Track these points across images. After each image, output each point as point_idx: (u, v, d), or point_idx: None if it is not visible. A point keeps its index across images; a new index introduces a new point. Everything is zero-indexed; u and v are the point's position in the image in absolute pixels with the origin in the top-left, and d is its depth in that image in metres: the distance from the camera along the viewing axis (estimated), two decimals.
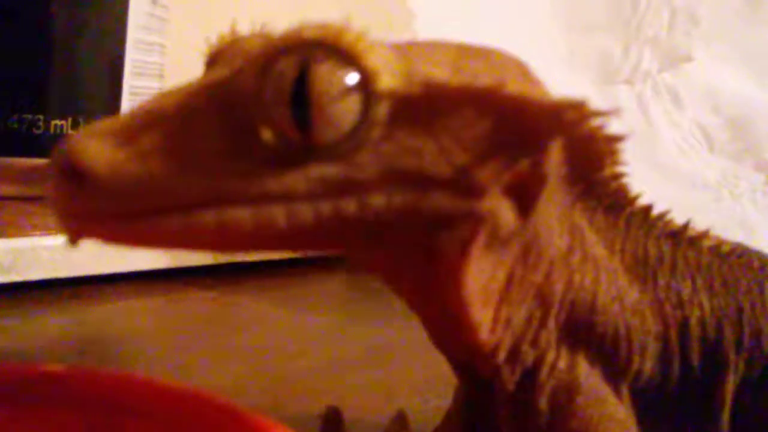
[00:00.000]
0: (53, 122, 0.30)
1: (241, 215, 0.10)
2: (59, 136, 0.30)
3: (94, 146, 0.09)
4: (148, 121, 0.10)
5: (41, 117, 0.30)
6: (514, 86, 0.10)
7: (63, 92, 0.31)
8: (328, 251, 0.12)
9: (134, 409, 0.13)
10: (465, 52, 0.11)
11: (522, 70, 0.12)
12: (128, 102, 0.33)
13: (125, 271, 0.28)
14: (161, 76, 0.35)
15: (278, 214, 0.10)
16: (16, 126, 0.30)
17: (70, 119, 0.31)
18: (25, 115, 0.30)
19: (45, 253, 0.25)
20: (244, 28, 0.12)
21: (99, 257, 0.27)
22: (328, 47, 0.10)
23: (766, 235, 0.33)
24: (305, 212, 0.10)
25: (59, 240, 0.26)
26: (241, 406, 0.13)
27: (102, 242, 0.10)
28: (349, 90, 0.10)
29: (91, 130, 0.10)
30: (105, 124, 0.10)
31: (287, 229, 0.10)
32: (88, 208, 0.10)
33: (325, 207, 0.10)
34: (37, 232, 0.26)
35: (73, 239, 0.10)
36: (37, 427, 0.13)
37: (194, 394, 0.13)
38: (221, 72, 0.10)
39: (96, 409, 0.13)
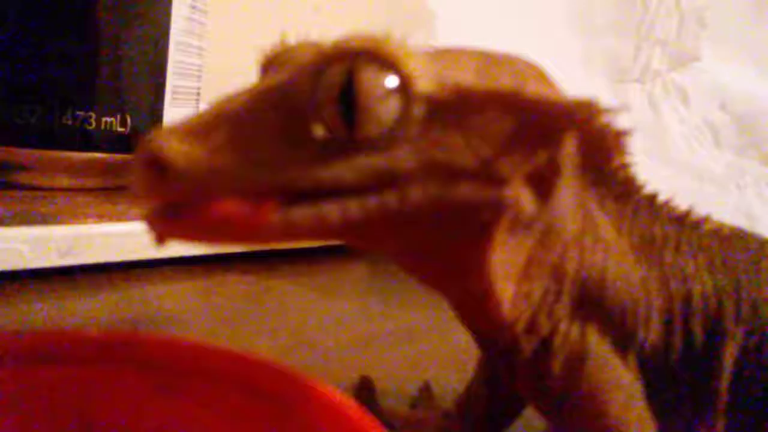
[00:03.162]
0: (103, 119, 0.32)
1: (302, 215, 0.11)
2: (109, 132, 0.32)
3: (173, 142, 0.10)
4: (217, 121, 0.11)
5: (93, 114, 0.31)
6: (532, 88, 0.11)
7: (112, 91, 0.32)
8: (370, 243, 0.13)
9: (199, 371, 0.14)
10: (489, 58, 0.12)
11: (539, 73, 0.12)
12: (171, 100, 0.34)
13: (170, 257, 0.29)
14: (199, 77, 0.36)
15: (332, 211, 0.11)
16: (70, 122, 0.31)
17: (118, 116, 0.32)
18: (78, 113, 0.31)
19: (98, 239, 0.27)
20: (291, 37, 0.14)
21: (145, 243, 0.27)
22: (372, 55, 0.10)
23: None
24: (354, 209, 0.11)
25: (110, 227, 0.27)
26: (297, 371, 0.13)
27: (183, 239, 0.11)
28: (390, 92, 0.11)
29: (170, 128, 0.11)
30: (181, 123, 0.11)
31: (340, 224, 0.11)
32: (168, 191, 0.10)
33: (371, 203, 0.11)
34: (91, 220, 0.27)
35: (160, 240, 0.11)
36: (109, 387, 0.14)
37: (255, 359, 0.14)
38: (277, 77, 0.11)
39: (163, 370, 0.14)
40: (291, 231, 0.11)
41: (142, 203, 0.11)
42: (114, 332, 0.15)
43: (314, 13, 0.41)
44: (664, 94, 0.39)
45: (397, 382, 0.21)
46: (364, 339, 0.25)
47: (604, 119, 0.12)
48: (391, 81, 0.11)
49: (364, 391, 0.19)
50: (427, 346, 0.25)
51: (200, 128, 0.11)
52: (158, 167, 0.10)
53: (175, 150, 0.10)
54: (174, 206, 0.11)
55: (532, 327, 0.13)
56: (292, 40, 0.13)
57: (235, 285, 0.30)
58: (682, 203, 0.15)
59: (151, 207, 0.11)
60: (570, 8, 0.42)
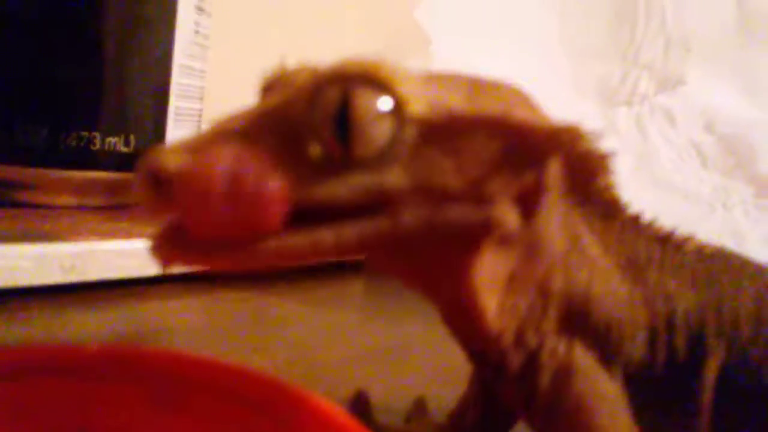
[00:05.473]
0: (107, 139, 0.32)
1: (298, 241, 0.11)
2: (113, 151, 0.32)
3: (175, 159, 0.11)
4: (217, 140, 0.11)
5: (97, 134, 0.32)
6: (518, 113, 0.12)
7: (116, 112, 0.33)
8: (359, 254, 0.13)
9: (196, 385, 0.14)
10: (478, 84, 0.12)
11: (525, 99, 0.13)
12: (173, 121, 0.34)
13: (170, 274, 0.29)
14: (201, 98, 0.37)
15: (327, 236, 0.11)
16: (74, 143, 0.31)
17: (122, 136, 0.32)
18: (83, 133, 0.31)
19: (100, 256, 0.27)
20: (290, 61, 0.14)
21: (147, 260, 0.28)
22: (366, 78, 0.11)
23: (756, 243, 0.34)
24: (349, 234, 0.11)
25: (112, 245, 0.28)
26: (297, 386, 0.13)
27: (185, 263, 0.11)
28: (384, 114, 0.11)
29: (172, 146, 0.11)
30: (183, 142, 0.11)
31: (334, 248, 0.11)
32: (169, 205, 0.11)
33: (365, 228, 0.11)
34: (93, 238, 0.27)
35: (165, 266, 0.11)
36: (108, 400, 0.14)
37: (252, 373, 0.14)
38: (276, 99, 0.12)
39: (161, 384, 0.14)
40: (288, 255, 0.11)
41: (144, 218, 0.12)
42: (113, 347, 0.15)
43: (312, 38, 0.42)
44: (652, 116, 0.40)
45: (392, 396, 0.21)
46: (360, 354, 0.26)
47: (587, 142, 0.13)
48: (385, 104, 0.11)
49: (360, 406, 0.20)
50: (422, 362, 0.26)
51: (201, 146, 0.11)
52: (160, 182, 0.11)
53: (176, 165, 0.11)
54: (178, 232, 0.11)
55: (519, 341, 0.14)
56: (290, 63, 0.13)
57: (234, 301, 0.30)
58: (669, 224, 0.15)
59: (157, 233, 0.11)
60: (562, 33, 0.43)
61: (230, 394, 0.14)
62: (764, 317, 0.14)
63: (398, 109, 0.11)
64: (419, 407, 0.21)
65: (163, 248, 0.11)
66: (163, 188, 0.11)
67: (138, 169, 0.11)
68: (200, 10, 0.35)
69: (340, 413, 0.13)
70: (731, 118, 0.39)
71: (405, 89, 0.11)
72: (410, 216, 0.11)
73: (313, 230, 0.11)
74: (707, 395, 0.14)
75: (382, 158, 0.11)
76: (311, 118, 0.11)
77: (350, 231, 0.11)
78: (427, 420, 0.20)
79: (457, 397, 0.19)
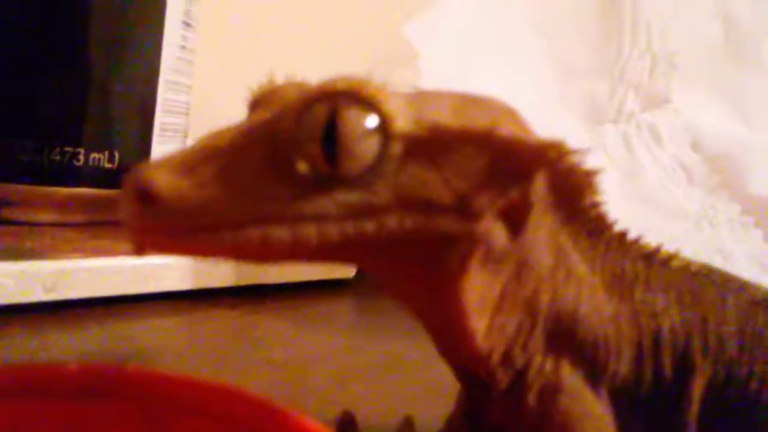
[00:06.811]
0: (92, 155, 0.32)
1: (281, 233, 0.11)
2: (97, 168, 0.32)
3: (161, 174, 0.11)
4: (204, 155, 0.11)
5: (81, 150, 0.32)
6: (504, 129, 0.12)
7: (101, 128, 0.32)
8: (350, 264, 0.14)
9: (185, 404, 0.14)
10: (464, 100, 0.13)
11: (511, 114, 0.13)
12: (158, 136, 0.34)
13: (154, 291, 0.29)
14: (187, 114, 0.37)
15: (311, 232, 0.11)
16: (58, 158, 0.31)
17: (107, 152, 0.32)
18: (66, 149, 0.31)
19: (83, 274, 0.27)
20: (279, 77, 0.14)
21: (131, 278, 0.28)
22: (353, 96, 0.11)
23: (742, 260, 0.34)
24: (332, 231, 0.11)
25: (95, 262, 0.27)
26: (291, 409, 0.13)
27: (164, 252, 0.12)
28: (370, 131, 0.11)
29: (158, 162, 0.11)
30: (170, 157, 0.11)
31: (318, 245, 0.11)
32: (156, 224, 0.11)
33: (349, 227, 0.11)
34: (76, 255, 0.27)
35: (140, 250, 0.11)
36: (95, 419, 0.14)
37: (241, 393, 0.14)
38: (263, 115, 0.12)
39: (148, 403, 0.14)
40: (269, 249, 0.11)
41: (128, 235, 0.11)
42: (100, 366, 0.14)
43: (299, 53, 0.42)
44: (638, 134, 0.41)
45: (379, 415, 0.21)
46: (347, 373, 0.25)
47: (572, 159, 0.13)
48: (371, 121, 0.11)
49: (346, 426, 0.20)
50: (409, 381, 0.26)
51: (188, 162, 0.11)
52: (146, 199, 0.11)
53: (163, 182, 0.11)
54: (153, 212, 0.11)
55: (507, 360, 0.14)
56: (278, 79, 0.14)
57: (220, 320, 0.30)
58: (656, 241, 0.15)
59: (130, 210, 0.11)
60: (550, 51, 0.44)
61: (220, 415, 0.14)
62: (748, 334, 0.15)
63: (384, 126, 0.11)
64: (406, 425, 0.21)
65: (139, 228, 0.11)
66: (150, 206, 0.11)
67: (124, 184, 0.11)
68: (186, 25, 0.35)
69: None
70: (717, 137, 0.40)
71: (390, 106, 0.11)
72: (395, 223, 0.11)
73: (297, 224, 0.11)
74: (693, 412, 0.14)
75: (369, 175, 0.11)
76: (299, 135, 0.11)
77: (333, 230, 0.11)
78: None
79: (444, 416, 0.19)
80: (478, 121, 0.12)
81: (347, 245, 0.12)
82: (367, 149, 0.11)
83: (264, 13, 0.52)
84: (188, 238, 0.11)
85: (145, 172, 0.11)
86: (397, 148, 0.11)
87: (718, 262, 0.17)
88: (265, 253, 0.12)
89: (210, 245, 0.11)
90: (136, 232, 0.11)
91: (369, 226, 0.11)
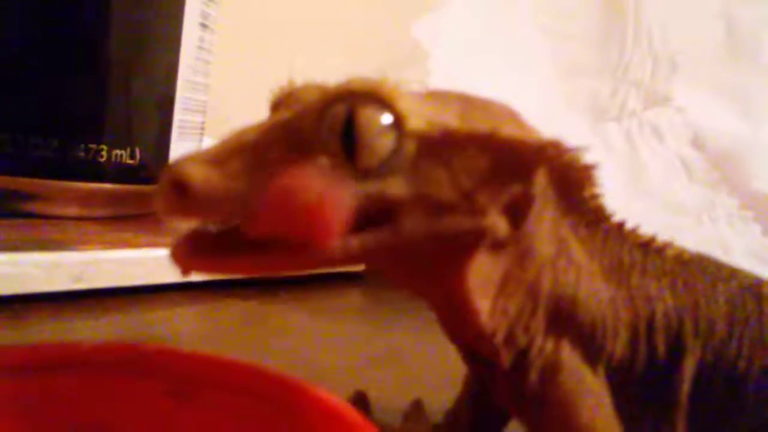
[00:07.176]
0: (114, 152, 0.33)
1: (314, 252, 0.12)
2: (119, 164, 0.33)
3: (194, 167, 0.11)
4: (232, 150, 0.12)
5: (104, 147, 0.33)
6: (507, 129, 0.13)
7: (122, 126, 0.33)
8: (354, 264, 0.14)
9: (208, 379, 0.15)
10: (470, 102, 0.13)
11: (514, 115, 0.14)
12: (177, 134, 0.35)
13: (174, 282, 0.30)
14: (204, 112, 0.38)
15: (335, 247, 0.12)
16: (82, 155, 0.32)
17: (128, 149, 0.33)
18: (90, 145, 0.32)
19: (107, 265, 0.28)
20: (298, 79, 0.15)
21: (152, 269, 0.29)
22: (370, 96, 0.12)
23: (741, 254, 0.35)
24: (355, 245, 0.12)
25: (119, 254, 0.28)
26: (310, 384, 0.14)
27: (207, 273, 0.13)
28: (386, 128, 0.12)
29: (190, 156, 0.12)
30: (201, 152, 0.12)
31: (341, 256, 0.12)
32: (186, 210, 0.12)
33: (369, 240, 0.12)
34: (101, 247, 0.28)
35: (185, 272, 0.12)
36: (119, 393, 0.15)
37: (259, 368, 0.15)
38: (285, 114, 0.12)
39: (169, 378, 0.15)
40: (297, 265, 0.12)
41: (165, 226, 0.12)
42: (127, 344, 0.15)
43: (313, 53, 0.43)
44: (640, 131, 0.41)
45: (390, 399, 0.22)
46: (359, 359, 0.26)
47: (571, 156, 0.14)
48: (387, 119, 0.12)
49: (359, 405, 0.20)
50: (419, 366, 0.27)
51: (218, 156, 0.12)
52: (180, 189, 0.11)
53: (196, 174, 0.11)
54: (200, 238, 0.12)
55: (510, 339, 0.14)
56: (298, 81, 0.14)
57: (236, 309, 0.31)
58: (657, 234, 0.16)
59: (177, 240, 0.12)
60: (554, 52, 0.44)
61: (240, 387, 0.15)
62: (737, 318, 0.15)
63: (399, 124, 0.12)
64: (416, 407, 0.22)
65: (183, 255, 0.12)
66: (184, 195, 0.11)
67: (161, 176, 0.12)
68: (204, 26, 0.36)
69: (345, 406, 0.14)
70: (718, 134, 0.40)
71: (405, 106, 0.12)
72: (410, 226, 0.12)
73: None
74: (684, 390, 0.15)
75: (385, 169, 0.12)
76: (320, 132, 0.12)
77: (355, 242, 0.12)
78: (423, 419, 0.21)
79: (452, 399, 0.20)
80: (483, 123, 0.13)
81: (369, 255, 0.12)
82: (383, 144, 0.12)
83: (278, 15, 0.53)
84: (228, 261, 0.12)
85: (178, 165, 0.11)
86: (410, 146, 0.12)
87: (718, 255, 0.17)
88: (291, 268, 0.13)
89: (243, 266, 0.12)
90: (179, 260, 0.12)
91: (387, 236, 0.12)
